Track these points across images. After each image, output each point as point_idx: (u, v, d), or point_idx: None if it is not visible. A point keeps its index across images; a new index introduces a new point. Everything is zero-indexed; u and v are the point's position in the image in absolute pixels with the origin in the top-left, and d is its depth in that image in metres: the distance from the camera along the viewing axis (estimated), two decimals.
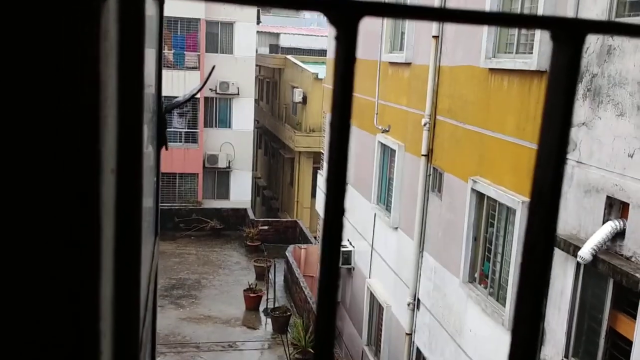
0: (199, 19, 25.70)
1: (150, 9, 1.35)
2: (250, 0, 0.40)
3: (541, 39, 7.48)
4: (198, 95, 25.53)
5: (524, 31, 8.25)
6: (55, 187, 0.52)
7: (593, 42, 6.63)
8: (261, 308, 18.02)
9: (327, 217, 0.44)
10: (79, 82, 0.50)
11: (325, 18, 0.42)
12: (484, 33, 8.80)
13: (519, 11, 8.29)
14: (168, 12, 24.29)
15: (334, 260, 0.44)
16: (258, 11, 27.65)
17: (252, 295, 17.94)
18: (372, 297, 13.44)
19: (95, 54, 0.51)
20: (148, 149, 1.32)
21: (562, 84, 0.45)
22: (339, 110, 0.41)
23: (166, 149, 1.68)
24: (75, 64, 0.50)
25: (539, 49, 7.50)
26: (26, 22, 0.48)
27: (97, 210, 0.54)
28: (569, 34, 0.45)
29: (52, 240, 0.53)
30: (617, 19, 6.41)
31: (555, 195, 0.46)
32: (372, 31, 13.60)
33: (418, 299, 11.15)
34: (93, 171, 0.53)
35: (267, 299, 17.74)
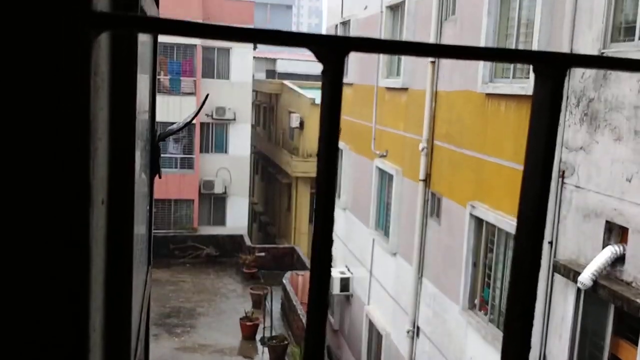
0: (195, 45, 25.89)
1: (144, 36, 1.32)
2: (240, 37, 0.40)
3: None
4: (194, 121, 25.58)
5: None
6: (45, 218, 0.52)
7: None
8: (258, 337, 17.80)
9: (316, 246, 0.45)
10: (68, 115, 0.50)
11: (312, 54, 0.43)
12: None
13: (515, 37, 8.35)
14: (164, 38, 24.50)
15: (324, 287, 0.43)
16: None
17: (248, 323, 17.73)
18: (371, 324, 13.29)
19: (85, 88, 0.51)
20: (141, 177, 1.29)
21: (545, 116, 0.46)
22: (326, 140, 0.40)
23: (159, 177, 1.64)
24: (65, 97, 0.50)
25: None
26: (18, 55, 0.48)
27: (87, 241, 0.55)
28: (550, 68, 0.46)
29: (40, 270, 0.53)
30: (613, 44, 6.44)
31: (540, 227, 0.46)
32: (369, 56, 13.69)
33: (418, 326, 11.02)
34: (82, 203, 0.53)
35: (263, 328, 17.53)
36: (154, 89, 1.68)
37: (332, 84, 0.41)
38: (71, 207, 0.51)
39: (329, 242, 0.44)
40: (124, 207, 0.75)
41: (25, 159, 0.50)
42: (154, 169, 1.60)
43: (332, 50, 0.41)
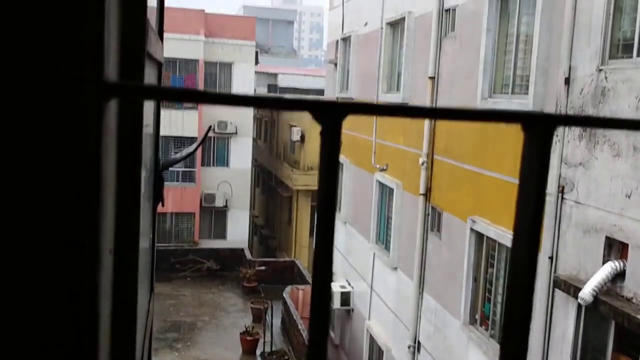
0: (198, 60, 26.03)
1: (148, 75, 1.36)
2: (243, 102, 0.41)
3: (536, 80, 7.56)
4: (196, 135, 25.65)
5: (519, 72, 8.35)
6: (54, 273, 0.54)
7: (587, 84, 6.70)
8: (258, 352, 17.72)
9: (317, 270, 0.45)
10: (80, 176, 0.53)
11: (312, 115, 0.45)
12: (480, 74, 8.90)
13: (513, 53, 8.40)
14: (167, 53, 24.62)
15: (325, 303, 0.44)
16: (256, 52, 28.04)
17: (248, 338, 17.66)
18: (372, 339, 13.24)
19: (96, 150, 0.54)
20: (144, 207, 1.31)
21: (534, 173, 0.48)
22: (324, 200, 0.42)
23: (162, 205, 1.67)
24: (77, 157, 0.53)
25: (535, 90, 7.57)
26: (34, 117, 0.51)
27: (96, 290, 0.56)
28: (538, 127, 0.48)
29: (47, 327, 0.54)
30: (611, 61, 6.49)
31: (530, 284, 0.49)
32: (369, 71, 13.77)
33: (418, 342, 10.98)
34: (91, 256, 0.55)
35: (264, 342, 17.46)
36: (159, 116, 1.71)
37: (330, 145, 0.44)
38: (80, 260, 0.53)
39: (329, 275, 0.46)
40: (131, 253, 0.78)
41: (39, 218, 0.52)
42: (157, 197, 1.62)
43: (331, 114, 0.44)
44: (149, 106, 1.32)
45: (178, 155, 2.50)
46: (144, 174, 1.21)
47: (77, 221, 0.53)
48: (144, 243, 1.35)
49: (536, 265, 0.50)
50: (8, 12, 0.48)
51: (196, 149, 2.52)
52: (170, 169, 26.27)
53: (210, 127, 3.59)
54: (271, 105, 0.44)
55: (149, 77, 1.25)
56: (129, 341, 0.81)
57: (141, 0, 0.79)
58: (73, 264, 0.53)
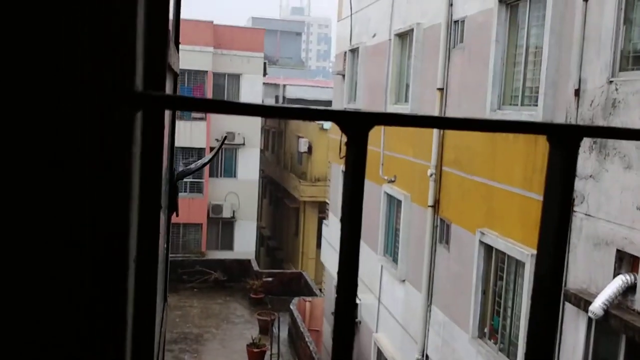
0: (206, 71, 26.16)
1: (169, 84, 1.36)
2: (268, 113, 0.41)
3: (546, 92, 7.53)
4: (204, 146, 25.72)
5: (528, 83, 8.33)
6: (87, 283, 0.55)
7: (598, 95, 6.67)
8: None
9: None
10: (111, 185, 0.53)
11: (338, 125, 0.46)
12: (489, 85, 8.88)
13: (523, 64, 8.39)
14: None
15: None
16: (264, 63, 28.16)
17: (255, 350, 17.59)
18: (380, 352, 13.15)
19: (128, 159, 0.54)
20: (161, 218, 1.31)
21: (559, 184, 0.48)
22: (349, 212, 0.41)
23: (177, 215, 1.66)
24: (109, 169, 0.53)
25: (544, 101, 7.55)
26: (69, 126, 0.51)
27: (124, 297, 0.55)
28: (564, 139, 0.48)
29: (84, 326, 0.55)
30: (621, 72, 6.46)
31: (557, 290, 0.47)
32: (377, 82, 13.79)
33: (427, 355, 10.89)
34: (122, 262, 0.54)
35: (270, 354, 17.38)
36: (174, 127, 1.71)
37: (357, 155, 0.44)
38: (113, 268, 0.54)
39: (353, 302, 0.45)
40: (151, 262, 0.79)
41: (73, 230, 0.53)
42: (172, 207, 1.62)
43: (357, 124, 0.44)
44: (165, 117, 1.32)
45: (193, 166, 2.50)
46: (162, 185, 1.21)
47: (110, 231, 0.53)
48: (160, 254, 1.34)
49: (561, 277, 0.51)
50: (44, 25, 0.49)
51: (212, 159, 2.52)
52: None
53: (226, 136, 3.61)
54: (297, 116, 0.44)
55: (167, 88, 1.25)
56: (148, 348, 0.80)
57: (164, 12, 0.79)
58: (106, 272, 0.53)
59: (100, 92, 0.49)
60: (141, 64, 0.64)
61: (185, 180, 26.48)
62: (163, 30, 0.79)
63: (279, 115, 0.41)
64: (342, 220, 0.45)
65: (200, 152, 26.13)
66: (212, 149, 26.64)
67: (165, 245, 1.66)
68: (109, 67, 0.50)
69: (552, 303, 0.49)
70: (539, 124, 0.50)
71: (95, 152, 0.52)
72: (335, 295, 0.46)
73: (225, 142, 26.70)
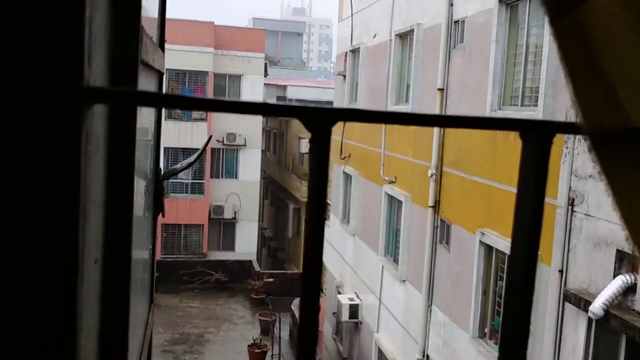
0: (207, 72, 26.18)
1: (148, 84, 1.35)
2: (229, 108, 0.41)
3: (546, 92, 7.53)
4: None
5: (528, 83, 8.32)
6: (33, 277, 0.53)
7: None
8: None
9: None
10: (58, 187, 0.52)
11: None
12: (489, 85, 8.88)
13: (523, 64, 8.38)
14: (176, 64, 24.84)
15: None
16: (265, 64, 28.17)
17: (256, 350, 17.60)
18: (380, 352, 13.15)
19: (75, 160, 0.52)
20: (144, 217, 1.30)
21: (532, 180, 0.48)
22: (314, 205, 0.41)
23: (163, 215, 1.66)
24: (55, 169, 0.52)
25: (544, 101, 7.54)
26: (8, 124, 0.50)
27: (74, 299, 0.54)
28: (536, 135, 0.48)
29: (28, 330, 0.53)
30: None
31: (529, 291, 0.47)
32: (378, 83, 13.79)
33: (427, 355, 10.89)
34: (70, 268, 0.53)
35: (272, 355, 17.39)
36: (159, 126, 1.70)
37: (320, 152, 0.43)
38: (58, 272, 0.52)
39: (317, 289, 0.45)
40: (121, 264, 0.77)
41: (14, 221, 0.51)
42: (158, 207, 1.62)
43: (320, 121, 0.43)
44: (148, 116, 1.31)
45: (179, 166, 2.50)
46: (144, 184, 1.19)
47: (54, 230, 0.52)
48: (142, 254, 1.34)
49: (534, 273, 0.49)
50: None
51: (197, 159, 2.52)
52: (179, 180, 26.36)
53: (211, 136, 3.62)
54: (259, 111, 0.43)
55: (148, 85, 1.24)
56: (120, 352, 0.79)
57: (135, 8, 0.78)
58: (51, 273, 0.52)
59: (42, 87, 0.48)
60: (104, 58, 0.63)
61: (186, 181, 26.50)
62: (133, 27, 0.78)
63: (239, 110, 0.41)
64: (306, 219, 0.45)
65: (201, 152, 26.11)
66: (213, 149, 26.66)
67: (151, 246, 1.66)
68: (52, 62, 0.49)
69: (525, 298, 0.48)
70: (512, 120, 0.50)
71: (37, 149, 0.50)
72: (301, 283, 0.45)
73: (227, 142, 26.71)
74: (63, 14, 0.49)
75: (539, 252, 7.50)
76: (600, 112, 0.46)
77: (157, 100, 0.41)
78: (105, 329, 0.73)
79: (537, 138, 0.48)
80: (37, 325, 0.53)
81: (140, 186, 1.12)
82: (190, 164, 2.55)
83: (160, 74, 1.57)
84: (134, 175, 0.81)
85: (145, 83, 1.10)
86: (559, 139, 7.26)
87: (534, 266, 0.50)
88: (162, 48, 1.60)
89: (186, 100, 0.41)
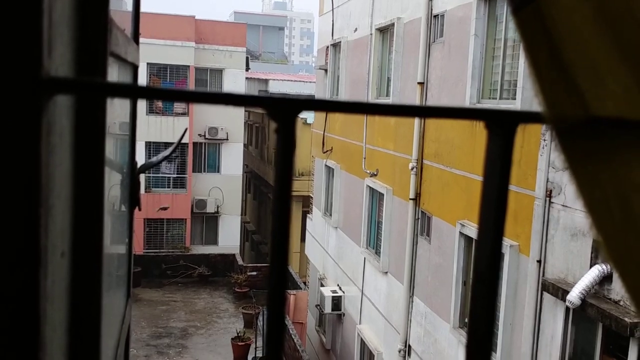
0: (188, 66, 26.01)
1: (124, 78, 1.36)
2: (193, 98, 0.42)
3: (524, 85, 7.62)
4: (187, 141, 25.62)
5: (507, 77, 8.41)
6: None
7: None
8: (250, 357, 17.67)
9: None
10: (16, 174, 0.51)
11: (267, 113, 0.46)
12: (468, 78, 8.96)
13: (501, 58, 8.47)
14: (157, 59, 24.66)
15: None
16: (247, 58, 28.05)
17: (240, 343, 17.61)
18: (363, 343, 13.24)
19: (35, 151, 0.51)
20: (119, 212, 1.30)
21: (497, 170, 0.48)
22: (279, 195, 0.43)
23: (139, 209, 1.67)
24: (12, 157, 0.50)
25: (522, 95, 7.63)
26: None
27: (36, 294, 0.54)
28: (501, 125, 0.48)
29: None
30: None
31: (494, 278, 0.49)
32: (359, 77, 13.82)
33: (409, 345, 10.99)
34: (31, 260, 0.52)
35: (255, 348, 17.42)
36: (135, 120, 1.71)
37: (286, 140, 0.44)
38: (17, 264, 0.52)
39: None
40: (91, 257, 0.76)
41: None
42: (134, 201, 1.62)
43: (284, 110, 0.44)
44: (122, 109, 1.32)
45: (154, 159, 2.51)
46: (118, 177, 1.20)
47: (13, 222, 0.51)
48: (117, 247, 1.34)
49: (499, 261, 0.50)
50: None
51: (172, 151, 2.53)
52: (162, 175, 26.20)
53: (186, 129, 3.62)
54: (223, 101, 0.45)
55: (122, 78, 1.25)
56: (91, 347, 0.80)
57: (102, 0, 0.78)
58: (10, 265, 0.51)
59: None
60: (68, 49, 0.63)
61: (168, 175, 26.35)
62: (101, 17, 0.78)
63: (204, 100, 0.42)
64: (272, 211, 0.47)
65: (183, 147, 25.98)
66: (195, 143, 26.53)
67: (128, 240, 1.67)
68: (8, 51, 0.47)
69: (490, 288, 0.49)
70: (477, 110, 0.51)
71: None
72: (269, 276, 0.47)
73: (209, 137, 26.59)
74: (19, 1, 0.48)
75: (518, 243, 7.61)
76: (562, 102, 0.46)
77: (121, 91, 0.42)
78: (75, 323, 0.73)
79: (502, 128, 0.48)
80: None
81: (113, 179, 1.12)
82: (165, 157, 2.56)
83: (134, 67, 1.58)
84: (104, 168, 0.81)
85: (118, 76, 1.11)
86: (536, 131, 7.33)
87: (498, 254, 0.49)
88: (137, 41, 1.60)
89: (151, 90, 0.42)
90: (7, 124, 0.49)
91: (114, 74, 1.04)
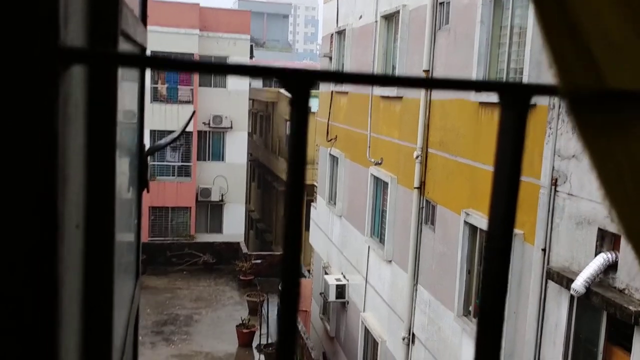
0: (193, 54, 25.95)
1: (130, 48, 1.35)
2: (209, 70, 0.41)
3: (530, 73, 7.58)
4: (191, 129, 25.62)
5: (512, 64, 8.36)
6: (11, 242, 0.53)
7: None
8: (254, 344, 17.77)
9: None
10: (34, 150, 0.51)
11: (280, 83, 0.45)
12: (474, 66, 8.91)
13: (507, 45, 8.42)
14: (162, 47, 24.59)
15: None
16: (251, 46, 27.97)
17: (245, 330, 17.71)
18: (367, 331, 13.29)
19: (52, 123, 0.52)
20: (129, 192, 1.31)
21: (510, 144, 0.48)
22: (293, 169, 0.42)
23: (147, 191, 1.68)
24: (30, 131, 0.51)
25: (528, 82, 7.57)
26: None
27: (54, 265, 0.55)
28: (515, 98, 0.47)
29: (6, 301, 0.53)
30: None
31: (506, 260, 0.48)
32: (364, 65, 13.76)
33: (413, 333, 11.03)
34: (49, 228, 0.53)
35: (260, 335, 17.51)
36: (143, 101, 1.71)
37: (300, 111, 0.44)
38: (38, 236, 0.53)
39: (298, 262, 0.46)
40: (103, 228, 0.77)
41: None
42: (142, 183, 1.63)
43: (299, 82, 0.44)
44: (132, 92, 1.32)
45: (163, 141, 2.51)
46: (127, 158, 1.20)
47: (34, 189, 0.52)
48: (128, 228, 1.35)
49: (511, 237, 0.49)
50: None
51: (181, 133, 2.53)
52: (166, 163, 26.24)
53: (194, 112, 3.62)
54: (237, 72, 0.44)
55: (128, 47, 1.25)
56: (104, 319, 0.80)
57: None
58: (31, 233, 0.52)
59: (17, 46, 0.48)
60: (82, 25, 0.63)
61: (173, 164, 26.39)
62: None
63: (217, 71, 0.42)
64: (286, 182, 0.47)
65: (187, 135, 25.99)
66: (199, 132, 26.54)
67: (137, 221, 1.67)
68: (27, 21, 0.48)
69: (503, 263, 0.49)
70: (490, 83, 0.51)
71: (13, 109, 0.50)
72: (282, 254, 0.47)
73: (213, 125, 26.57)
74: None
75: (523, 232, 7.60)
76: (576, 73, 0.45)
77: (134, 61, 0.42)
78: (89, 292, 0.74)
79: (515, 101, 0.47)
80: (17, 284, 0.53)
81: (123, 160, 1.13)
82: (174, 139, 2.56)
83: (142, 49, 1.58)
84: (116, 141, 0.81)
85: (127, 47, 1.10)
86: (542, 120, 7.29)
87: (511, 231, 0.49)
88: (145, 23, 1.60)
89: (164, 61, 0.42)
90: (26, 92, 0.49)
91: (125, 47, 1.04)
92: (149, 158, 1.80)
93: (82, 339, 0.71)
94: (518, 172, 0.49)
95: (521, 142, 0.48)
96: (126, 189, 1.24)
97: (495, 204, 0.50)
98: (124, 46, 0.98)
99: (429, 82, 0.53)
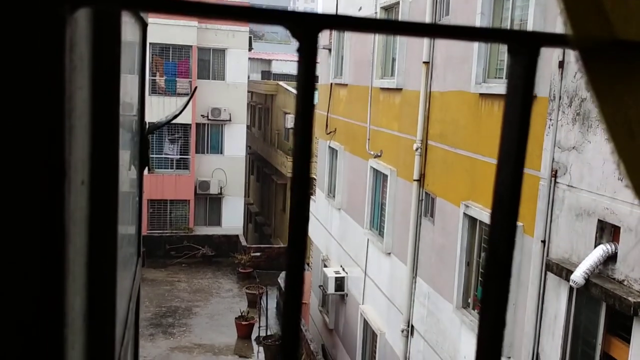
0: (191, 46, 25.88)
1: (133, 35, 1.34)
2: (213, 14, 0.40)
3: None
4: (190, 122, 25.57)
5: None
6: (18, 196, 0.52)
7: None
8: (253, 336, 17.81)
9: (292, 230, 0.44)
10: (41, 92, 0.51)
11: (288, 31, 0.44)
12: (474, 58, 8.89)
13: (509, 19, 8.38)
14: (160, 39, 24.51)
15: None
16: (250, 38, 27.88)
17: (244, 323, 17.74)
18: (366, 324, 13.31)
19: (59, 65, 0.51)
20: (130, 170, 1.30)
21: (519, 95, 0.47)
22: (301, 118, 0.41)
23: (149, 170, 1.67)
24: (38, 74, 0.50)
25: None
26: None
27: (62, 216, 0.55)
28: (524, 46, 0.47)
29: (14, 249, 0.52)
30: None
31: (515, 201, 0.48)
32: (363, 57, 13.73)
33: (412, 325, 11.05)
34: (57, 180, 0.53)
35: (259, 327, 17.54)
36: (144, 83, 1.70)
37: (306, 58, 0.43)
38: (45, 182, 0.52)
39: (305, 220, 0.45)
40: (107, 188, 0.77)
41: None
42: (144, 160, 1.63)
43: (306, 27, 0.42)
44: (132, 78, 1.30)
45: (164, 118, 2.50)
46: (129, 136, 1.19)
47: (40, 137, 0.51)
48: (130, 204, 1.34)
49: (519, 198, 0.49)
50: None
51: (181, 111, 2.52)
52: (165, 156, 26.19)
53: (196, 87, 3.62)
54: (242, 16, 0.42)
55: (133, 35, 1.24)
56: (108, 273, 0.80)
57: None
58: (36, 181, 0.52)
59: None
60: None
61: (171, 156, 26.35)
62: None
63: (218, 15, 0.41)
64: (294, 132, 0.45)
65: (186, 127, 25.96)
66: (197, 124, 26.49)
67: (138, 199, 1.67)
68: None
69: (509, 238, 0.49)
70: (499, 30, 0.49)
71: (18, 52, 0.49)
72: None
73: (212, 118, 26.52)
74: None
75: (522, 224, 7.60)
76: (587, 22, 0.45)
77: (140, 3, 0.41)
78: (94, 246, 0.73)
79: (525, 48, 0.47)
80: (22, 232, 0.52)
81: (125, 136, 1.12)
82: (175, 116, 2.55)
83: (144, 25, 1.56)
84: (119, 92, 0.80)
85: (132, 33, 1.09)
86: (542, 111, 7.28)
87: (519, 192, 0.49)
88: None
89: (168, 3, 0.41)
90: (33, 35, 0.48)
91: (127, 30, 1.02)
92: (149, 137, 1.80)
93: (87, 292, 0.71)
94: (527, 121, 0.48)
95: (530, 90, 0.48)
96: (129, 165, 1.23)
97: (504, 154, 0.50)
98: (126, 21, 0.97)
99: (435, 28, 0.51)
